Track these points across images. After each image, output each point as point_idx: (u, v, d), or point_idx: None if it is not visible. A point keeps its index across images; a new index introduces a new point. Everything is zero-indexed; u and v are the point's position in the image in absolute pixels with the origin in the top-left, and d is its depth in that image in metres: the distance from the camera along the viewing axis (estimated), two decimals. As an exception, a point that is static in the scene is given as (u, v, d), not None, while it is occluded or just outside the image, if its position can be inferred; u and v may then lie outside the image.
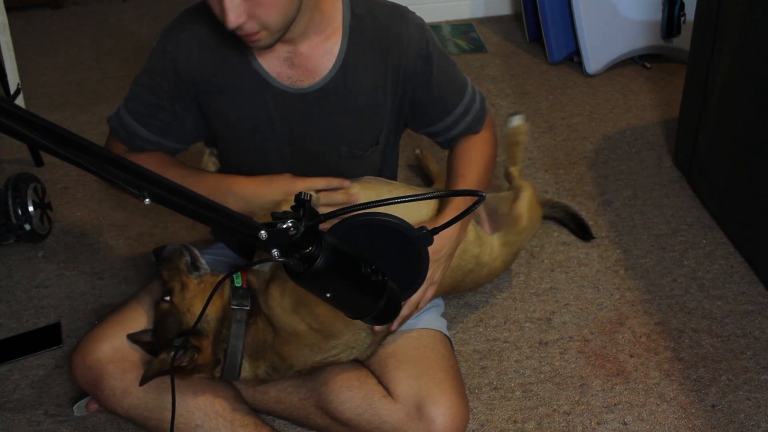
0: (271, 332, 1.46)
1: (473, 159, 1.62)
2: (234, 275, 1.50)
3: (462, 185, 1.59)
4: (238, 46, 1.43)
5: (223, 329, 1.45)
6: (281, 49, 1.44)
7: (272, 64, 1.46)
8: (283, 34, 1.35)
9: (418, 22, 1.53)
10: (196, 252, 1.52)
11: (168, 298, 1.45)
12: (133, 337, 1.51)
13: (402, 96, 1.56)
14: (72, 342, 1.88)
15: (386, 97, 1.53)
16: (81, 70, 3.14)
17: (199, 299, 1.44)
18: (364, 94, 1.50)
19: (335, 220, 0.99)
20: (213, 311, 1.45)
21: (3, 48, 2.37)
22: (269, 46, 1.36)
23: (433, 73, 1.54)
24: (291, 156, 1.55)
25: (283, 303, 1.43)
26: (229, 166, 1.62)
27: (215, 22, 1.41)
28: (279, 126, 1.50)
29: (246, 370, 1.48)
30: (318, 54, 1.45)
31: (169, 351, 1.41)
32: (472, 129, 1.64)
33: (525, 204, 1.85)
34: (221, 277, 1.48)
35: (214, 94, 1.49)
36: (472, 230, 1.69)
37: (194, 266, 1.50)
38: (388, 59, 1.49)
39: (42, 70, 3.14)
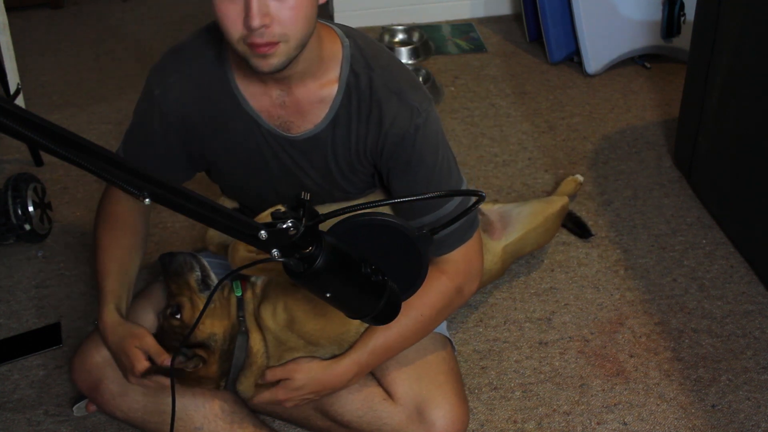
0: (263, 351, 1.47)
1: (426, 304, 1.44)
2: (234, 285, 1.49)
3: (387, 327, 1.40)
4: (228, 87, 1.38)
5: (231, 345, 1.45)
6: (274, 90, 1.37)
7: (263, 104, 1.39)
8: (294, 58, 1.26)
9: (415, 105, 1.37)
10: (206, 263, 1.49)
11: (178, 316, 1.43)
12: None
13: (380, 170, 1.45)
14: (72, 342, 1.88)
15: (367, 160, 1.44)
16: (81, 70, 3.14)
17: (209, 320, 1.43)
18: (350, 150, 1.42)
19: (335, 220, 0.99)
20: (222, 330, 1.44)
21: (3, 48, 2.37)
22: (278, 70, 1.26)
23: (411, 165, 1.39)
24: (284, 189, 1.50)
25: (276, 324, 1.44)
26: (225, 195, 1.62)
27: (204, 62, 1.38)
28: (272, 164, 1.45)
29: (245, 385, 1.49)
30: (311, 99, 1.37)
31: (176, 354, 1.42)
32: (433, 253, 1.45)
33: (550, 208, 1.97)
34: (226, 289, 1.47)
35: (205, 135, 1.44)
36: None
37: (205, 283, 1.46)
38: (369, 129, 1.38)
39: (42, 70, 3.14)
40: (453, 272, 1.47)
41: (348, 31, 1.40)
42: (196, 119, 1.42)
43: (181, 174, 1.53)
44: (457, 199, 1.43)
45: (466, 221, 1.45)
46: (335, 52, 1.36)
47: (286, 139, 1.41)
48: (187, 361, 1.41)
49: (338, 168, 1.44)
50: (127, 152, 1.51)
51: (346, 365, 1.44)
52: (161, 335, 1.45)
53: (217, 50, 1.39)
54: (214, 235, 1.60)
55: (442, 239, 1.44)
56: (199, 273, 1.47)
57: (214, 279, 1.48)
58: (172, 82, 1.40)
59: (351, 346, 1.46)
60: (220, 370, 1.46)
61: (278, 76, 1.31)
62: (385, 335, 1.44)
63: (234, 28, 1.20)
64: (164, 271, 1.48)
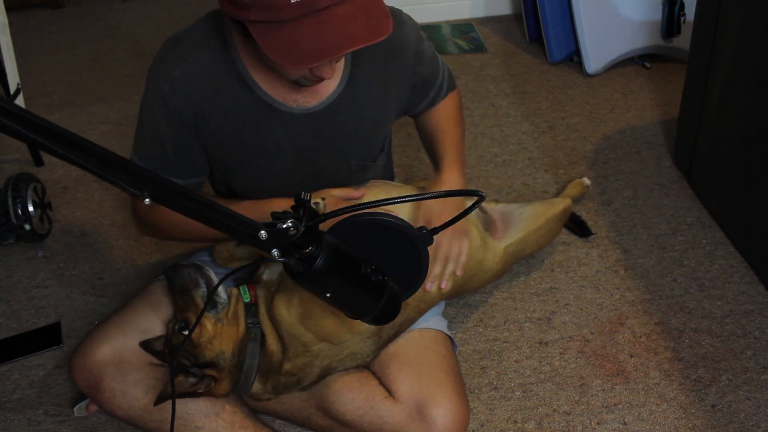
0: (280, 349, 1.47)
1: (450, 115, 1.71)
2: (242, 290, 1.49)
3: (446, 140, 1.67)
4: (238, 74, 1.38)
5: (242, 356, 1.45)
6: None
7: (277, 90, 1.40)
8: None
9: (412, 23, 1.56)
10: (212, 275, 1.45)
11: (186, 332, 1.42)
12: (145, 345, 1.49)
13: (404, 92, 1.60)
14: (72, 342, 1.88)
15: (392, 101, 1.54)
16: (81, 70, 3.14)
17: (218, 339, 1.42)
18: (371, 105, 1.47)
19: (335, 220, 0.99)
20: (231, 347, 1.43)
21: (3, 48, 2.37)
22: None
23: (424, 62, 1.60)
24: (298, 175, 1.51)
25: (290, 316, 1.44)
26: (233, 192, 1.58)
27: (209, 51, 1.37)
28: (286, 148, 1.46)
29: (255, 386, 1.50)
30: None
31: (186, 375, 1.42)
32: (446, 89, 1.71)
33: (552, 210, 1.96)
34: (233, 301, 1.46)
35: (217, 125, 1.43)
36: (477, 236, 1.70)
37: (211, 300, 1.42)
38: (392, 65, 1.51)
39: (42, 70, 3.14)
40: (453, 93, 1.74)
41: None
42: (208, 111, 1.40)
43: (197, 173, 1.51)
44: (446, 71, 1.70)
45: (449, 72, 1.72)
46: None
47: (305, 115, 1.43)
48: (199, 383, 1.41)
49: (356, 134, 1.50)
50: (141, 158, 1.45)
51: (447, 168, 1.62)
52: (169, 348, 1.45)
53: (221, 39, 1.38)
54: (222, 251, 1.60)
55: (445, 87, 1.71)
56: (204, 288, 1.44)
57: (221, 296, 1.45)
58: (180, 76, 1.37)
59: (440, 160, 1.64)
60: (231, 383, 1.46)
61: None
62: (448, 136, 1.67)
63: (298, 74, 1.30)
64: (170, 286, 1.46)
